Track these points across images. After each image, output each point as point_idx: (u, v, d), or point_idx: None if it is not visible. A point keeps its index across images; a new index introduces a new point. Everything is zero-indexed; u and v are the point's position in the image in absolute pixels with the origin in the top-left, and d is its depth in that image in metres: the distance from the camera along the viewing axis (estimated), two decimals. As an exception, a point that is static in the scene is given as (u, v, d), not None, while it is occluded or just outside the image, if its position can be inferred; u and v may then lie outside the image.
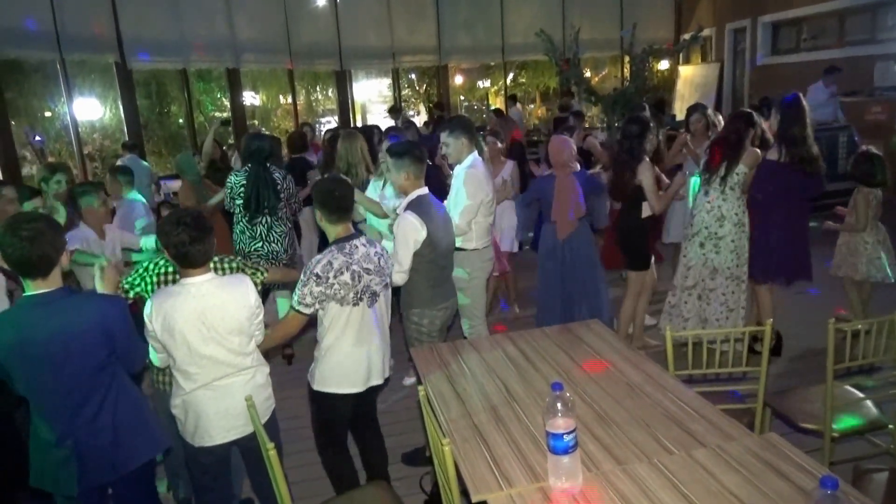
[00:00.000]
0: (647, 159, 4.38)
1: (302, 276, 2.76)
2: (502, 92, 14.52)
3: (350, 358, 2.86)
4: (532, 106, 16.03)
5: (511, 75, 15.01)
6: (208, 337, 2.44)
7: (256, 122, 13.02)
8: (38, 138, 9.27)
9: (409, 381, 4.51)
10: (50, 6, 8.33)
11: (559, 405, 1.93)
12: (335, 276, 2.71)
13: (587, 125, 12.29)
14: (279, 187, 4.62)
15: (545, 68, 14.51)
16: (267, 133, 8.14)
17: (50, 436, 2.27)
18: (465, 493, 2.12)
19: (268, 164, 4.64)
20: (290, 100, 12.67)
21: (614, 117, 8.06)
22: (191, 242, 2.39)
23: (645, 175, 4.31)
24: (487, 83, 15.87)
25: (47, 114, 9.82)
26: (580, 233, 4.49)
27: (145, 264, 2.78)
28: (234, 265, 2.83)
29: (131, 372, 2.46)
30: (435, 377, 2.86)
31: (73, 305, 2.24)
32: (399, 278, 3.24)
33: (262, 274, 2.89)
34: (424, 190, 3.37)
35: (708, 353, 2.98)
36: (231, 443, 2.62)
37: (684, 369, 3.04)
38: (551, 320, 4.33)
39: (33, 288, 2.20)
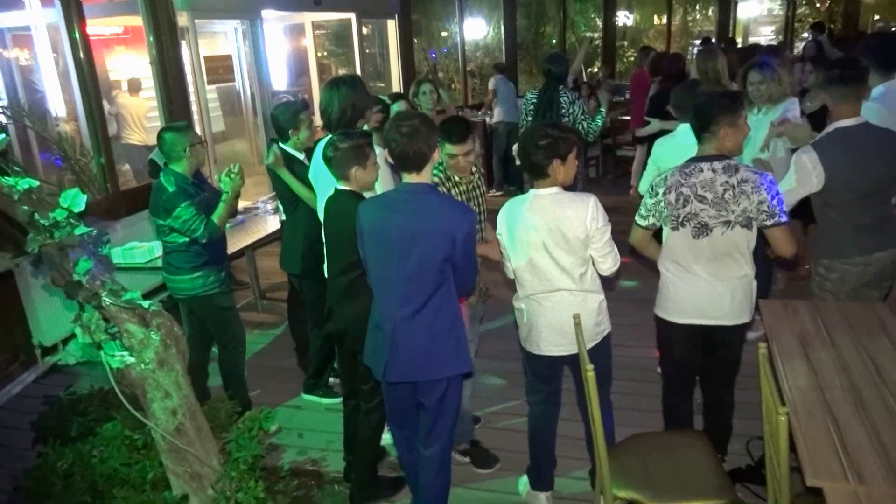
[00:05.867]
0: None
1: None
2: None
3: (671, 283, 2.72)
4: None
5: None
6: (542, 248, 2.51)
7: (626, 42, 12.68)
8: (433, 55, 10.48)
9: (754, 335, 4.04)
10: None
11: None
12: (663, 194, 2.58)
13: None
14: (563, 110, 4.76)
15: None
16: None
17: (378, 318, 2.45)
18: (795, 470, 1.86)
19: (560, 86, 4.77)
20: (664, 20, 12.00)
21: None
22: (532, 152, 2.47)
23: None
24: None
25: (443, 34, 10.98)
26: None
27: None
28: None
29: (461, 291, 2.49)
30: (785, 337, 2.50)
31: (431, 203, 2.37)
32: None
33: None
34: (848, 122, 2.78)
35: None
36: (560, 358, 2.68)
37: None
38: None
39: (408, 180, 2.42)
